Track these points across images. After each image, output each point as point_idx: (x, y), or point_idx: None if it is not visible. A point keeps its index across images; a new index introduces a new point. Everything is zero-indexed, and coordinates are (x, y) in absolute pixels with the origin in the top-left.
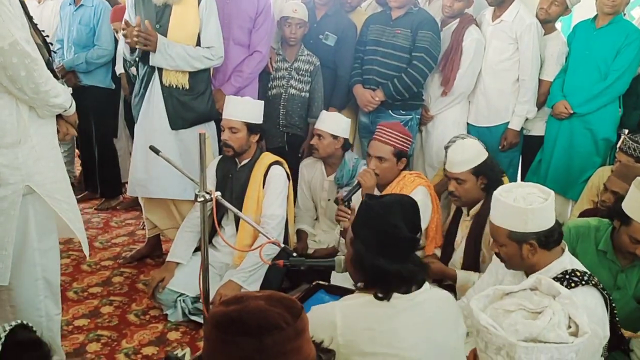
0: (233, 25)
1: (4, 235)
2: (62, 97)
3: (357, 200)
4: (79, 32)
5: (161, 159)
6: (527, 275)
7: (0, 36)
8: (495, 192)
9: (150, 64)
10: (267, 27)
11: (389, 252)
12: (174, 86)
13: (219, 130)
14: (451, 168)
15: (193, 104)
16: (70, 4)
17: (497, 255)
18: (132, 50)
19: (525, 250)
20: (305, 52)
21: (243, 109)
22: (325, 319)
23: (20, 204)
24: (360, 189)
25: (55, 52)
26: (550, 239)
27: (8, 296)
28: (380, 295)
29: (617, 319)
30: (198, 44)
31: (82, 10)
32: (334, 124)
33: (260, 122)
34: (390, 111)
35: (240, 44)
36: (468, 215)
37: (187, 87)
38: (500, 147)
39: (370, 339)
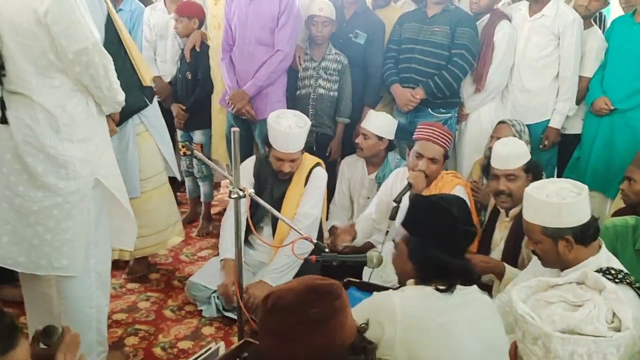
0: (256, 26)
1: (76, 226)
2: (122, 95)
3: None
4: None
5: None
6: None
7: (84, 36)
8: (527, 189)
9: None
10: (290, 25)
11: (449, 246)
12: None
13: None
14: (505, 164)
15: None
16: None
17: (534, 252)
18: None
19: (562, 246)
20: (333, 51)
21: (298, 139)
22: (385, 305)
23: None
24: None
25: None
26: (586, 234)
27: (60, 288)
28: (442, 287)
29: None
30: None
31: (120, 15)
32: (380, 125)
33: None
34: (430, 109)
35: (264, 43)
36: (507, 215)
37: None
38: (541, 146)
39: (427, 330)
